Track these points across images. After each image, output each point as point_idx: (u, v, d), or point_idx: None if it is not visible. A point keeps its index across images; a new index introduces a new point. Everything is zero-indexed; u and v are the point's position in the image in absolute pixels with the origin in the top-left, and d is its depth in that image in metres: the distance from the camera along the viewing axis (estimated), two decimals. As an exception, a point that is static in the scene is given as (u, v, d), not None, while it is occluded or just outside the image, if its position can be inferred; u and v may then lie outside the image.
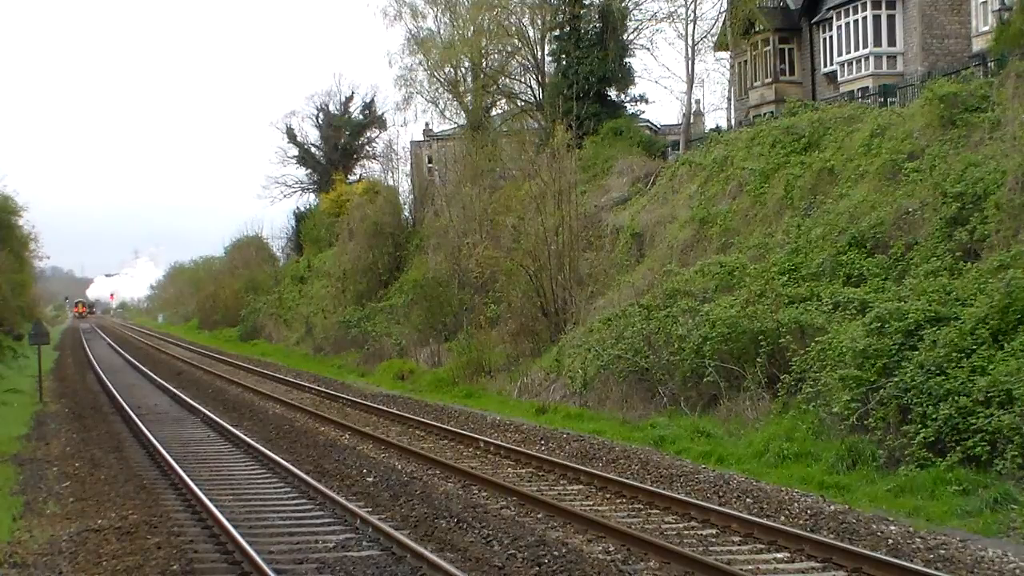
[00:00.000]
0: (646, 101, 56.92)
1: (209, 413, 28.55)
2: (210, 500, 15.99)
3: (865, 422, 17.57)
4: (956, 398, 16.18)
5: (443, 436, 23.53)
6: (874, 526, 13.87)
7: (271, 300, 70.07)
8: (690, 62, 44.89)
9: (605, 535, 13.87)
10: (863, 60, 38.13)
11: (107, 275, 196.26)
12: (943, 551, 12.64)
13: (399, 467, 19.68)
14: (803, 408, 19.43)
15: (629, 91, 48.99)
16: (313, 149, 79.19)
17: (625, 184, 40.47)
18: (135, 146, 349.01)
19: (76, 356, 60.83)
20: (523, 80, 52.95)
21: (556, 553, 12.98)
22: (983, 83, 25.70)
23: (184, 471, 18.68)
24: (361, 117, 78.06)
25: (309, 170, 79.27)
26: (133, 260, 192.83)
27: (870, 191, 25.24)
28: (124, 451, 22.69)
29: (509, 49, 52.31)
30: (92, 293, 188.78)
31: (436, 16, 53.51)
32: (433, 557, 12.41)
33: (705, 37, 46.46)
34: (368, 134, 77.89)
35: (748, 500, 15.65)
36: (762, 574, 12.20)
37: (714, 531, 14.15)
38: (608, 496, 16.52)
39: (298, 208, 78.71)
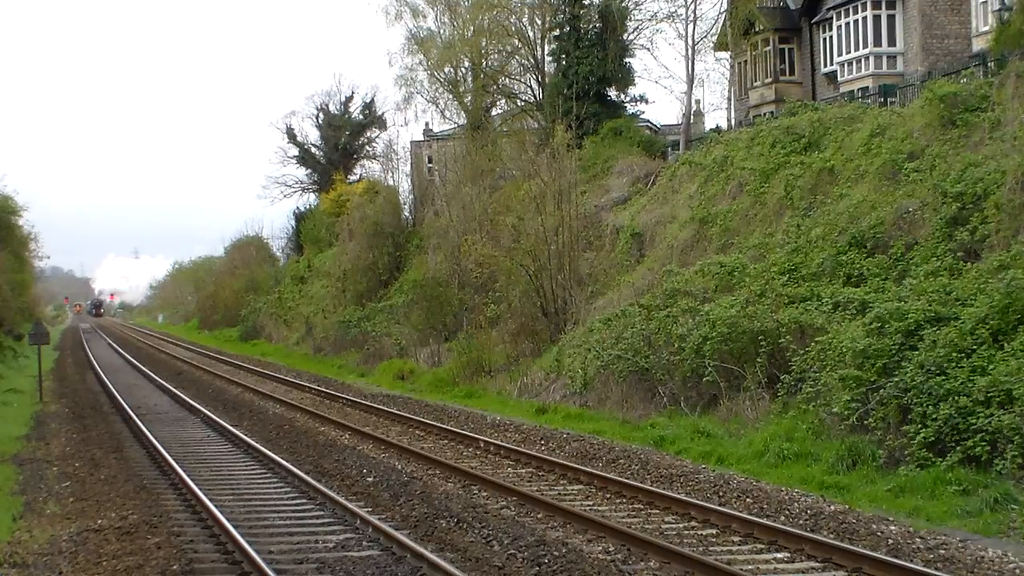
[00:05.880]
0: (646, 101, 57.04)
1: (209, 413, 28.54)
2: (210, 500, 15.99)
3: (865, 422, 17.57)
4: (956, 398, 16.18)
5: (443, 436, 23.53)
6: (874, 526, 13.86)
7: (271, 300, 70.09)
8: (690, 62, 44.94)
9: (605, 535, 13.86)
10: (863, 60, 38.13)
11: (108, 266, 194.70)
12: (943, 551, 12.64)
13: (399, 467, 19.68)
14: (803, 408, 19.43)
15: (629, 91, 49.04)
16: (313, 149, 79.22)
17: (625, 184, 40.48)
18: (135, 146, 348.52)
19: (76, 356, 60.82)
20: (523, 80, 53.01)
21: (556, 553, 12.97)
22: (983, 83, 25.70)
23: (184, 471, 18.68)
24: (361, 117, 78.06)
25: (309, 170, 79.29)
26: (134, 258, 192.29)
27: (870, 191, 25.25)
28: (124, 451, 22.68)
29: (509, 49, 52.34)
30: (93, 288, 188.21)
31: (436, 16, 53.60)
32: (433, 557, 12.41)
33: (705, 37, 46.53)
34: (368, 134, 77.93)
35: (748, 500, 15.65)
36: (762, 574, 12.20)
37: (714, 531, 14.15)
38: (608, 496, 16.52)
39: (298, 208, 78.84)
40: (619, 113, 47.79)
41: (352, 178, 73.04)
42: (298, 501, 16.84)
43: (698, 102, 52.93)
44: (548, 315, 33.54)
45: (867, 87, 36.73)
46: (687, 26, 44.59)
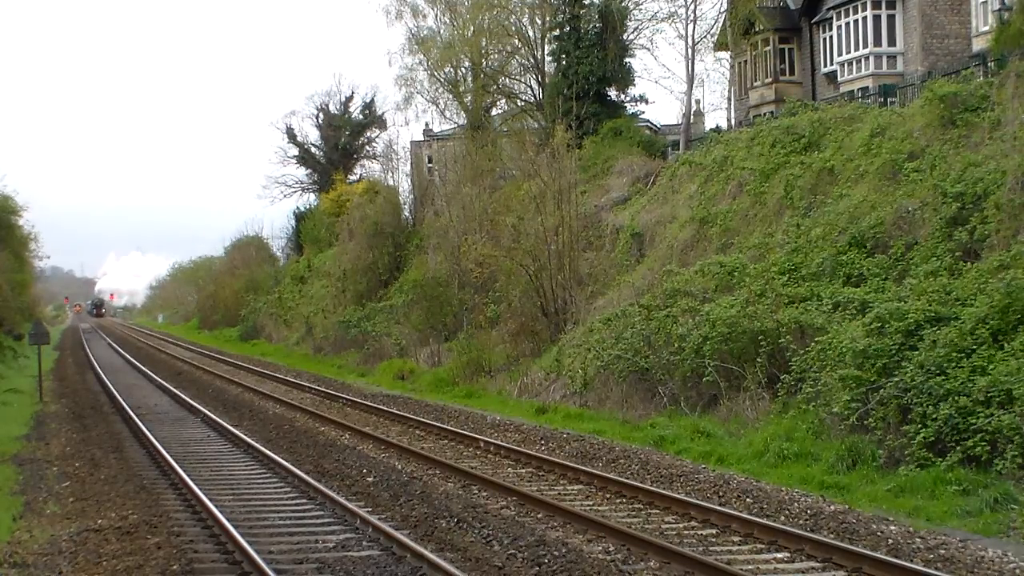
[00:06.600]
0: (646, 101, 57.03)
1: (209, 413, 28.54)
2: (210, 500, 15.99)
3: (865, 422, 17.58)
4: (956, 398, 16.19)
5: (443, 436, 23.53)
6: (874, 526, 13.87)
7: (271, 300, 70.08)
8: (690, 62, 44.96)
9: (605, 535, 13.86)
10: (863, 60, 38.12)
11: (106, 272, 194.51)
12: (943, 551, 12.64)
13: (399, 467, 19.68)
14: (803, 408, 19.43)
15: (629, 91, 49.04)
16: (313, 149, 79.29)
17: (625, 184, 40.48)
18: (136, 146, 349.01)
19: (76, 356, 60.82)
20: (523, 80, 53.03)
21: (556, 553, 12.98)
22: (983, 83, 25.70)
23: (184, 471, 18.67)
24: (361, 117, 78.11)
25: (309, 170, 79.37)
26: (137, 257, 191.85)
27: (870, 191, 25.25)
28: (124, 451, 22.68)
29: (509, 49, 52.36)
30: (97, 288, 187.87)
31: (436, 16, 53.64)
32: (433, 557, 12.41)
33: (705, 37, 46.56)
34: (368, 134, 78.00)
35: (748, 500, 15.65)
36: (762, 574, 12.20)
37: (714, 531, 14.15)
38: (608, 496, 16.52)
39: (298, 208, 78.89)
40: (619, 113, 47.78)
41: (352, 178, 73.10)
42: (298, 501, 16.84)
43: (698, 102, 53.00)
44: (548, 315, 33.54)
45: (867, 87, 36.72)
46: (687, 26, 44.67)
